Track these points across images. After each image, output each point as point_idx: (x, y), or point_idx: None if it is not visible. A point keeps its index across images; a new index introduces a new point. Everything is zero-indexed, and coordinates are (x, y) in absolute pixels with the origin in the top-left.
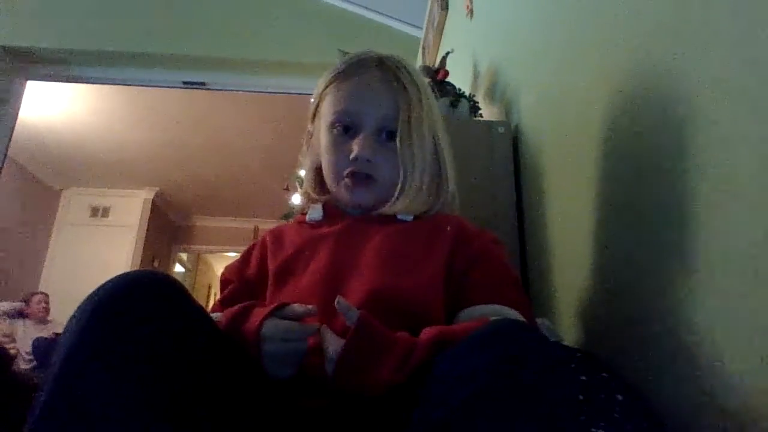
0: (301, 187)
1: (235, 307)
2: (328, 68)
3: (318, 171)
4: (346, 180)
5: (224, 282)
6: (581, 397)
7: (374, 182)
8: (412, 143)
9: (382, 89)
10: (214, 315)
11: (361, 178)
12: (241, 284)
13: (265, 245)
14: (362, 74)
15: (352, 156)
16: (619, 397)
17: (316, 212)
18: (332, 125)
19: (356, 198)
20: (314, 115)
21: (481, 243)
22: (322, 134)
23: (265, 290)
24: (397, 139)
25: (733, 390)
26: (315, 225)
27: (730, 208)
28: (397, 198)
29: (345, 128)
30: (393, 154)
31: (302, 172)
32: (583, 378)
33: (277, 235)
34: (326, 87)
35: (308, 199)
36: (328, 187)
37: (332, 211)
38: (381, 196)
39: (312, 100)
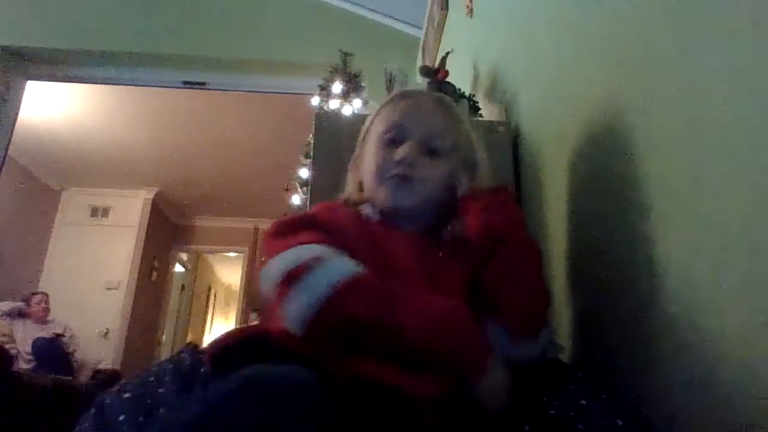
0: (299, 187)
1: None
2: (327, 68)
3: (359, 186)
4: (389, 181)
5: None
6: (581, 427)
7: (414, 184)
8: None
9: (432, 110)
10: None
11: (403, 179)
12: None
13: (319, 221)
14: (416, 97)
15: (396, 158)
16: (619, 422)
17: (372, 212)
18: (382, 135)
19: (395, 198)
20: (364, 138)
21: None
22: (370, 145)
23: None
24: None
25: (735, 401)
26: (373, 222)
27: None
28: (450, 216)
29: (392, 140)
30: (434, 168)
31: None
32: (583, 402)
33: (332, 221)
34: (381, 109)
35: (347, 203)
36: (370, 194)
37: (385, 213)
38: (419, 199)
39: (366, 124)
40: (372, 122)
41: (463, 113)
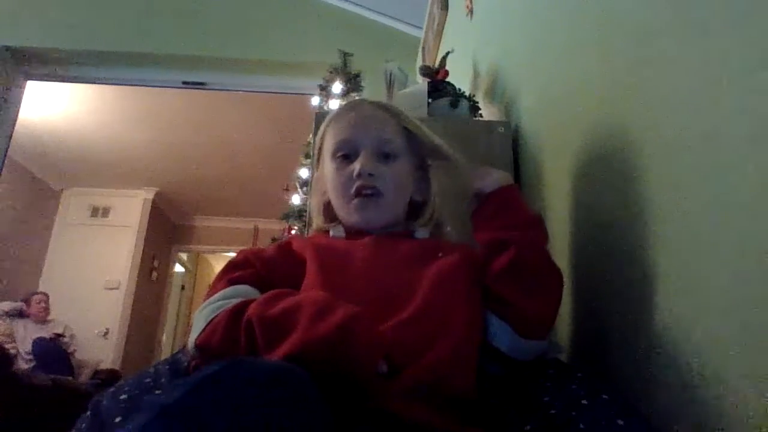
0: (299, 187)
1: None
2: (327, 68)
3: (326, 207)
4: (355, 200)
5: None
6: (582, 427)
7: (380, 197)
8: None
9: (375, 117)
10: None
11: (368, 195)
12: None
13: (290, 249)
14: (358, 108)
15: (355, 173)
16: (620, 422)
17: (338, 230)
18: (334, 154)
19: (365, 217)
20: (318, 157)
21: None
22: (326, 167)
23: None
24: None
25: (737, 402)
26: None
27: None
28: (419, 216)
29: (345, 156)
30: (393, 172)
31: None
32: (584, 402)
33: (303, 241)
34: (326, 128)
35: (318, 231)
36: (339, 215)
37: (353, 230)
38: (388, 214)
39: (316, 143)
40: (321, 144)
41: (404, 111)
